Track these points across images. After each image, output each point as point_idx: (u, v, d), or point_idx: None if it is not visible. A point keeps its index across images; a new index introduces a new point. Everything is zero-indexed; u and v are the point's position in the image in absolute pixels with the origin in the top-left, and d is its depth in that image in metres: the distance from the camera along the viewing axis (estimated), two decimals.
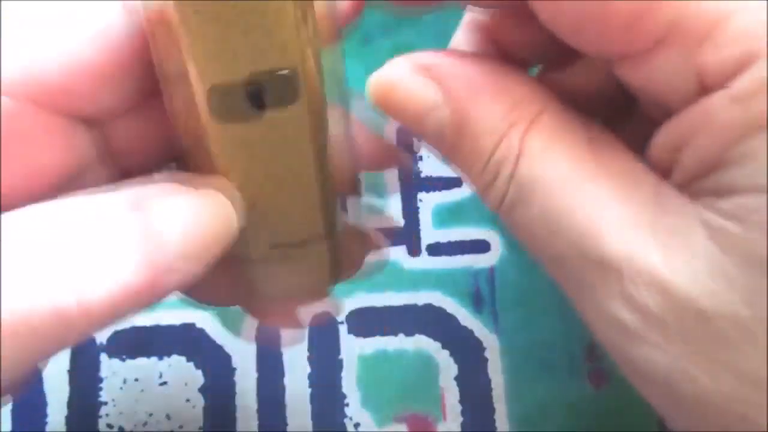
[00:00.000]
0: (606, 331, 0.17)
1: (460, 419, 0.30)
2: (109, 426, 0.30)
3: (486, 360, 0.31)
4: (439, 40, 0.22)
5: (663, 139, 0.17)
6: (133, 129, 0.20)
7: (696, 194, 0.17)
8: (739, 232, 0.15)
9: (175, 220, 0.18)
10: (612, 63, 0.18)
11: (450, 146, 0.19)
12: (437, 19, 0.28)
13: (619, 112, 0.21)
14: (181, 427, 0.30)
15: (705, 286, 0.16)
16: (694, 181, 0.17)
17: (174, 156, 0.22)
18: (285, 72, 0.18)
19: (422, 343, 0.31)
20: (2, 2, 0.20)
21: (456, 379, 0.30)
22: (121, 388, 0.30)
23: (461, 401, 0.30)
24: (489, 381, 0.30)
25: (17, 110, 0.18)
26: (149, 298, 0.18)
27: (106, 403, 0.30)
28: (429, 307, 0.31)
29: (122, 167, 0.21)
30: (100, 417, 0.30)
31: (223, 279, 0.22)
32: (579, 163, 0.17)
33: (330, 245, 0.22)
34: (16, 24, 0.19)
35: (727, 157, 0.16)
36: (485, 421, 0.30)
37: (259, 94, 0.18)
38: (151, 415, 0.30)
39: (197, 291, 0.24)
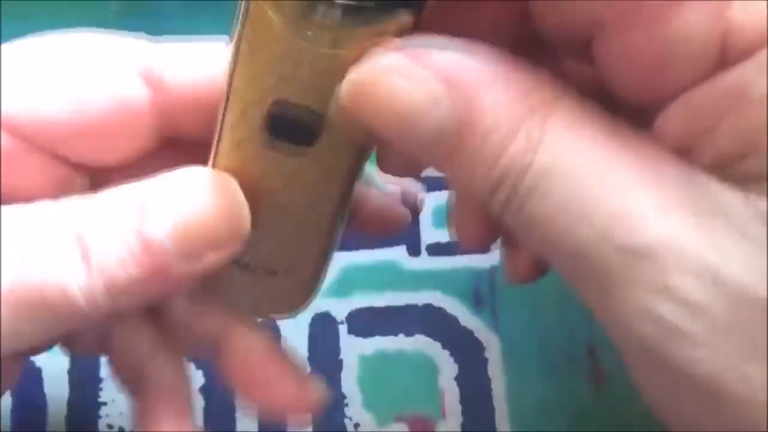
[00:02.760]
0: (637, 331, 0.15)
1: (460, 419, 0.30)
2: (109, 426, 0.30)
3: (486, 360, 0.31)
4: None
5: (684, 118, 0.16)
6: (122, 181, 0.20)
7: (733, 179, 0.15)
8: None
9: (167, 213, 0.19)
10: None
11: (449, 149, 0.17)
12: None
13: None
14: None
15: (759, 272, 0.14)
16: (729, 165, 0.15)
17: None
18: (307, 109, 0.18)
19: (422, 343, 0.31)
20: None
21: (456, 379, 0.30)
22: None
23: (461, 401, 0.30)
24: (489, 381, 0.30)
25: (11, 146, 0.20)
26: (150, 294, 0.19)
27: (106, 403, 0.30)
28: (429, 307, 0.31)
29: None
30: (100, 417, 0.30)
31: None
32: (604, 147, 0.16)
33: (314, 274, 0.22)
34: (29, 66, 0.20)
35: (763, 139, 0.14)
36: (485, 421, 0.30)
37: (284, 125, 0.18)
38: None
39: None
